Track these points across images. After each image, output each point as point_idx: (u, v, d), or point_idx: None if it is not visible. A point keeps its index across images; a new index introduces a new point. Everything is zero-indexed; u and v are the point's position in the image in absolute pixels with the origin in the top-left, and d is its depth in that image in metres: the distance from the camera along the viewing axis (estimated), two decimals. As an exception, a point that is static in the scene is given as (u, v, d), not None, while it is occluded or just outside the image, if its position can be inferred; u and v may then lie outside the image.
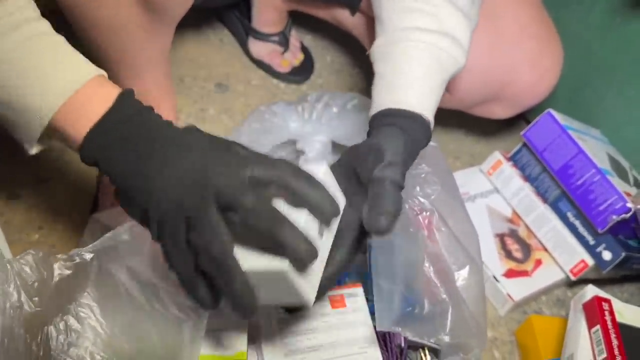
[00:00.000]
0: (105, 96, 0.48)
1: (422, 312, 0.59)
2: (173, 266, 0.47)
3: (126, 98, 0.48)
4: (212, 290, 0.48)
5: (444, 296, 0.59)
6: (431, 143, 0.73)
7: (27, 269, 0.51)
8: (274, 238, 0.44)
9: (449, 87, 0.86)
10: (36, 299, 0.51)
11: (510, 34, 0.84)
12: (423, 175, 0.64)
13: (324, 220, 0.48)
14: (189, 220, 0.44)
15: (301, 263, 0.45)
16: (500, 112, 0.92)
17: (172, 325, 0.57)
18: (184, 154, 0.45)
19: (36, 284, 0.51)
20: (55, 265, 0.53)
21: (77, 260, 0.55)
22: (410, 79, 0.60)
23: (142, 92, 0.79)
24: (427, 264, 0.60)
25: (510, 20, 0.84)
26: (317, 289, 0.50)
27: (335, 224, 0.51)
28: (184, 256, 0.46)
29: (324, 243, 0.50)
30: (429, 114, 0.60)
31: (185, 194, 0.44)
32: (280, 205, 0.46)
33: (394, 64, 0.62)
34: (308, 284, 0.49)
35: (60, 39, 0.49)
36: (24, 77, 0.46)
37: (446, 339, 0.58)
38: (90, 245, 0.56)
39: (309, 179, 0.46)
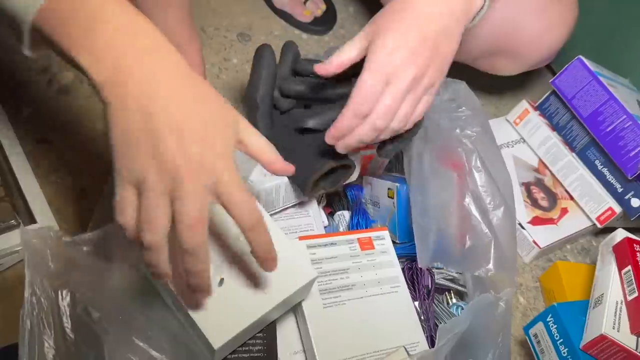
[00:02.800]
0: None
1: (464, 247, 0.59)
2: None
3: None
4: None
5: (486, 230, 0.59)
6: (468, 92, 0.72)
7: (42, 238, 0.51)
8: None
9: None
10: (53, 263, 0.51)
11: None
12: (463, 117, 0.64)
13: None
14: None
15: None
16: (505, 66, 0.89)
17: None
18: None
19: (51, 251, 0.52)
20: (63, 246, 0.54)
21: (84, 248, 0.55)
22: None
23: (167, 31, 0.78)
24: (467, 200, 0.60)
25: None
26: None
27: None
28: None
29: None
30: None
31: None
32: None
33: None
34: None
35: None
36: None
37: (491, 269, 0.58)
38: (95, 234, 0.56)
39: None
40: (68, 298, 0.49)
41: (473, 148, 0.62)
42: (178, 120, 0.42)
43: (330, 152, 0.64)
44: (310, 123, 0.65)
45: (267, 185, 0.67)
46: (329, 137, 0.58)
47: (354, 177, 0.73)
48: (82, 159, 0.79)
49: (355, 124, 0.56)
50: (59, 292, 0.49)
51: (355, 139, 0.57)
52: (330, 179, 0.69)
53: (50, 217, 0.70)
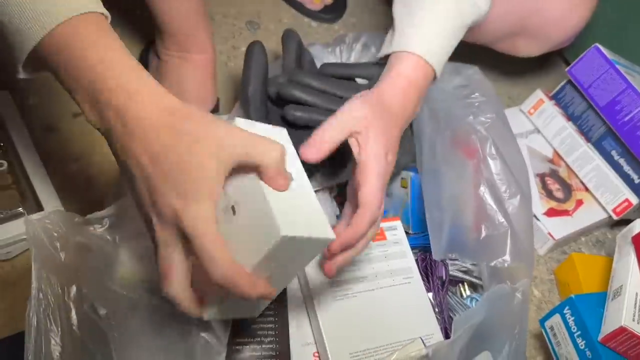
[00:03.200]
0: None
1: (479, 238, 0.58)
2: None
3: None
4: None
5: (502, 220, 0.57)
6: (480, 77, 0.71)
7: (50, 226, 0.50)
8: None
9: None
10: (62, 253, 0.50)
11: None
12: (477, 104, 0.62)
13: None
14: None
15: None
16: (527, 47, 0.87)
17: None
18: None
19: (60, 241, 0.50)
20: (74, 230, 0.52)
21: (92, 229, 0.54)
22: (420, 21, 0.61)
23: (179, 17, 0.77)
24: (482, 189, 0.58)
25: None
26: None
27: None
28: None
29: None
30: (433, 58, 0.60)
31: None
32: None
33: (410, 4, 0.62)
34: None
35: None
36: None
37: (508, 260, 0.57)
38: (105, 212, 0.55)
39: None
40: (74, 293, 0.48)
41: (487, 135, 0.60)
42: (147, 172, 0.42)
43: None
44: (295, 115, 0.63)
45: None
46: (336, 247, 0.50)
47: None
48: (88, 148, 0.78)
49: (367, 231, 0.53)
50: (65, 288, 0.48)
51: (359, 250, 0.54)
52: (325, 172, 0.68)
53: (57, 204, 0.69)
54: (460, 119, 0.63)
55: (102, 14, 0.45)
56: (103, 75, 0.42)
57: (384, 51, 0.63)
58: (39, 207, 0.68)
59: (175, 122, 0.42)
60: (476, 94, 0.64)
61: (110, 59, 0.42)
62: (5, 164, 0.71)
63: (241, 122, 0.48)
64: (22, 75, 0.47)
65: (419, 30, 0.60)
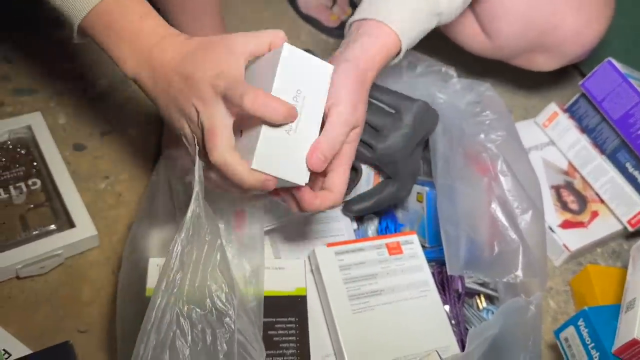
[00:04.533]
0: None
1: (492, 254, 0.59)
2: None
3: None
4: None
5: (514, 236, 0.59)
6: (492, 93, 0.73)
7: None
8: None
9: (489, 32, 0.85)
10: None
11: None
12: (488, 122, 0.64)
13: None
14: None
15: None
16: (544, 62, 0.89)
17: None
18: None
19: None
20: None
21: None
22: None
23: None
24: (494, 206, 0.60)
25: None
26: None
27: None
28: None
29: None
30: (405, 39, 0.61)
31: None
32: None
33: None
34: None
35: None
36: None
37: (520, 276, 0.58)
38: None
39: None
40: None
41: (498, 153, 0.62)
42: (176, 88, 0.52)
43: None
44: None
45: None
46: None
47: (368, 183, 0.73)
48: (117, 165, 0.82)
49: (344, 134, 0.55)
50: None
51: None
52: None
53: (88, 221, 0.72)
54: (472, 137, 0.65)
55: None
56: (137, 38, 0.53)
57: (358, 16, 0.63)
58: (71, 224, 0.72)
59: (199, 41, 0.53)
60: (487, 112, 0.65)
61: (140, 27, 0.54)
62: (39, 182, 0.74)
63: (287, 47, 0.53)
64: (76, 41, 0.57)
65: (395, 7, 0.61)
